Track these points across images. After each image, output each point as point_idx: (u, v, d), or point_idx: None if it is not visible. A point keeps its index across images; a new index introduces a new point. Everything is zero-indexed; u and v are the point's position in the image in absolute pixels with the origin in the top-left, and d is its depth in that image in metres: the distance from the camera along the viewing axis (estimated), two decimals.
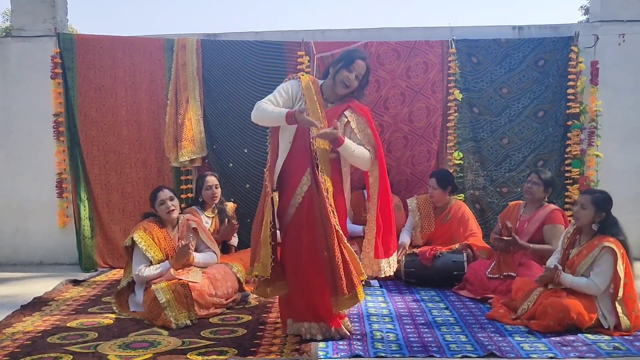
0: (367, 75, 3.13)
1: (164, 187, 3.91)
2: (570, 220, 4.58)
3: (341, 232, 2.98)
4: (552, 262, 3.43)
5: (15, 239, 5.43)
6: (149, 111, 5.25)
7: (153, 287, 3.49)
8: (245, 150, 5.22)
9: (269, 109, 2.99)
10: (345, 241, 2.99)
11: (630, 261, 3.22)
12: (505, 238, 3.93)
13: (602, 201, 3.28)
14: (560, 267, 3.30)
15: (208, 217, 4.46)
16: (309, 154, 3.00)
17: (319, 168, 2.99)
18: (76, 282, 4.55)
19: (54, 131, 5.28)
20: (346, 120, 3.12)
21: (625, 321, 3.14)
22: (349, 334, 3.10)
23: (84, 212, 5.26)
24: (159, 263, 3.67)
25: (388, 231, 3.13)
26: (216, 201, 4.50)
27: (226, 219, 4.47)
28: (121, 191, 5.28)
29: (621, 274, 3.13)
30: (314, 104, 3.04)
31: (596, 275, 3.18)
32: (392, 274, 3.12)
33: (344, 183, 3.18)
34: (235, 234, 4.59)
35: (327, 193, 2.98)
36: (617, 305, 3.15)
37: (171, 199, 3.82)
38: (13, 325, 3.39)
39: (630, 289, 3.20)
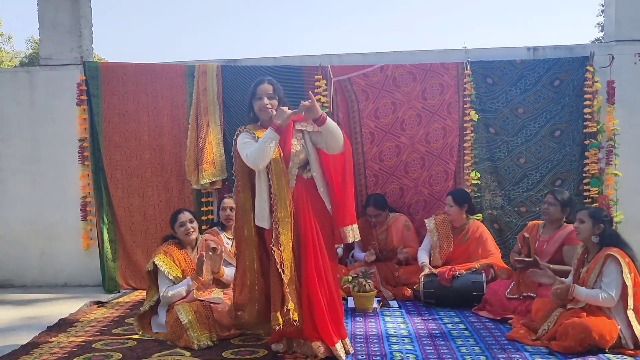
0: (277, 90, 3.26)
1: (184, 210, 3.98)
2: None
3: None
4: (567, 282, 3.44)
5: (41, 261, 5.57)
6: (171, 135, 5.39)
7: (175, 307, 3.56)
8: None
9: (256, 143, 3.07)
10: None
11: (637, 269, 3.23)
12: (527, 259, 3.93)
13: (598, 213, 3.42)
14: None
15: (229, 238, 4.53)
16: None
17: (273, 198, 3.10)
18: (100, 304, 4.64)
19: (79, 156, 5.43)
20: (301, 129, 3.25)
21: (639, 330, 3.12)
22: (342, 356, 3.08)
23: (107, 235, 5.38)
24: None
25: (350, 203, 3.25)
26: (231, 223, 4.57)
27: None
28: (143, 213, 5.40)
29: (628, 282, 3.15)
30: None
31: (607, 286, 3.20)
32: (353, 240, 3.22)
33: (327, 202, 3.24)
34: None
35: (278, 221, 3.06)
36: (629, 315, 3.14)
37: (191, 222, 3.90)
38: (40, 346, 3.48)
39: None
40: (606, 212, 3.53)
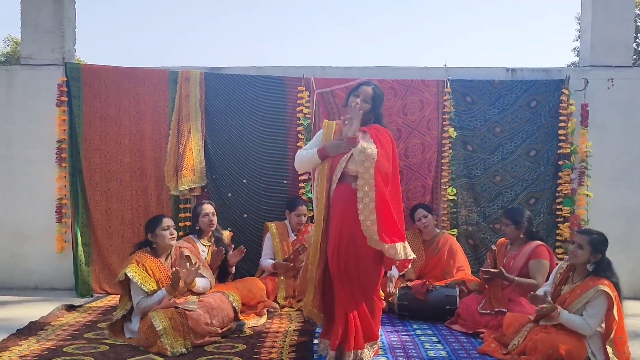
0: (375, 98, 3.39)
1: (166, 216, 4.01)
2: (556, 255, 4.68)
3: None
4: (540, 292, 3.50)
5: (11, 263, 5.45)
6: (151, 140, 5.37)
7: (150, 313, 3.53)
8: (244, 181, 5.33)
9: (303, 153, 3.43)
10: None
11: (620, 302, 3.28)
12: (492, 270, 4.01)
13: (599, 243, 3.34)
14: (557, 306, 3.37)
15: (204, 245, 4.52)
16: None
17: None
18: (72, 308, 4.57)
19: (56, 157, 5.36)
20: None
21: None
22: None
23: (81, 238, 5.30)
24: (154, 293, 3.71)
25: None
26: (212, 228, 4.57)
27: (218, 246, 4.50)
28: (121, 218, 5.35)
29: (616, 317, 3.18)
30: (330, 139, 3.40)
31: (590, 317, 3.22)
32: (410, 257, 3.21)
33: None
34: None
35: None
36: (607, 346, 3.21)
37: (174, 227, 3.91)
38: (9, 349, 3.42)
39: (621, 331, 3.24)
40: (605, 239, 3.37)
